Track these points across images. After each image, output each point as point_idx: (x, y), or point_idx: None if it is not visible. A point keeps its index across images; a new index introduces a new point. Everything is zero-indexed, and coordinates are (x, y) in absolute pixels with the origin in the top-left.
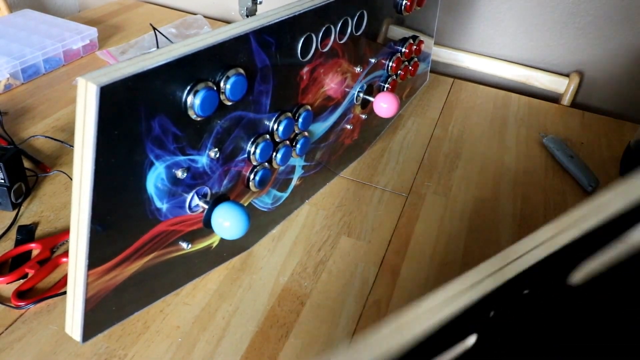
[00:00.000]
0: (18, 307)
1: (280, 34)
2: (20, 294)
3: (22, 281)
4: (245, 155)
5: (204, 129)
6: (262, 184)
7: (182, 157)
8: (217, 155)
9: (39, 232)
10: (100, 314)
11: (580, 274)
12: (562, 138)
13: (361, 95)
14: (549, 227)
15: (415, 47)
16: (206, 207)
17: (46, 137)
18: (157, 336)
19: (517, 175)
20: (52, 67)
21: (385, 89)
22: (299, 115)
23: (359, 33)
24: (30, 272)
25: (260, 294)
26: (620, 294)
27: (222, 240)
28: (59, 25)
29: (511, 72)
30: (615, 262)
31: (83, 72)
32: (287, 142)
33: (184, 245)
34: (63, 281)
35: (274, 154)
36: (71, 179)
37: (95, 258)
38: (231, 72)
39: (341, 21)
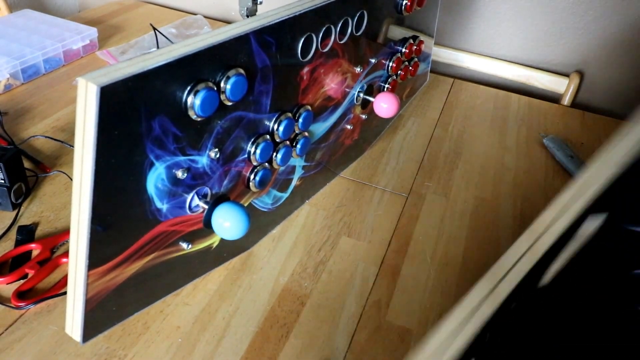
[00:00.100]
0: (18, 308)
1: (280, 34)
2: (21, 295)
3: (22, 281)
4: (246, 156)
5: (204, 129)
6: (262, 184)
7: (182, 158)
8: (218, 156)
9: (39, 232)
10: (101, 315)
11: (548, 275)
12: (562, 138)
13: (361, 95)
14: (526, 236)
15: (415, 47)
16: (206, 207)
17: (46, 137)
18: (157, 336)
19: (517, 175)
20: (52, 67)
21: (385, 89)
22: (299, 115)
23: (359, 33)
24: (31, 273)
25: (261, 294)
26: (577, 286)
27: (222, 240)
28: (59, 25)
29: (511, 72)
30: (572, 256)
31: (83, 72)
32: (288, 143)
33: (184, 245)
34: (63, 281)
35: (274, 154)
36: (71, 179)
37: (95, 258)
38: (231, 72)
39: (341, 21)
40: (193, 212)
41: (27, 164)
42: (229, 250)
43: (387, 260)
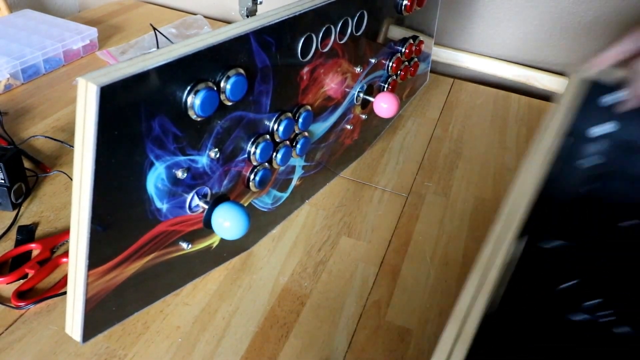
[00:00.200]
0: (18, 308)
1: (280, 34)
2: (21, 294)
3: (22, 281)
4: (246, 156)
5: (204, 129)
6: (262, 184)
7: (182, 157)
8: (217, 156)
9: (39, 232)
10: (101, 314)
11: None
12: None
13: (361, 95)
14: (474, 275)
15: (415, 47)
16: (206, 207)
17: (46, 137)
18: (157, 336)
19: None
20: (52, 67)
21: (385, 89)
22: (299, 115)
23: (359, 33)
24: (31, 273)
25: (261, 294)
26: (518, 307)
27: (222, 240)
28: (59, 25)
29: (511, 72)
30: (508, 280)
31: (83, 72)
32: (287, 142)
33: (184, 245)
34: (63, 281)
35: (274, 154)
36: (71, 179)
37: (95, 258)
38: (231, 72)
39: (341, 21)
40: (193, 212)
41: (27, 164)
42: (229, 250)
43: (387, 260)
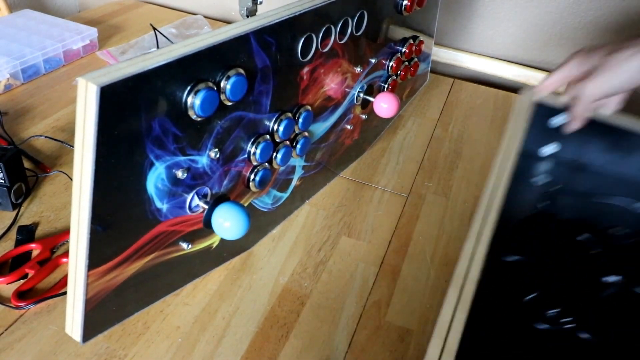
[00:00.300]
0: (18, 308)
1: (280, 34)
2: (21, 294)
3: (22, 281)
4: (246, 156)
5: (204, 129)
6: (262, 184)
7: (182, 158)
8: (218, 156)
9: (39, 232)
10: (101, 314)
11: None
12: None
13: (361, 95)
14: (452, 290)
15: (415, 47)
16: (206, 207)
17: (46, 137)
18: (157, 336)
19: None
20: (52, 67)
21: (385, 89)
22: (299, 115)
23: (359, 33)
24: (31, 273)
25: (261, 294)
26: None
27: (222, 240)
28: (59, 25)
29: (511, 72)
30: (475, 291)
31: (83, 72)
32: (288, 143)
33: (184, 245)
34: (63, 281)
35: (274, 154)
36: (71, 179)
37: (95, 258)
38: (231, 72)
39: (341, 21)
40: (193, 212)
41: (27, 164)
42: (229, 250)
43: (387, 260)
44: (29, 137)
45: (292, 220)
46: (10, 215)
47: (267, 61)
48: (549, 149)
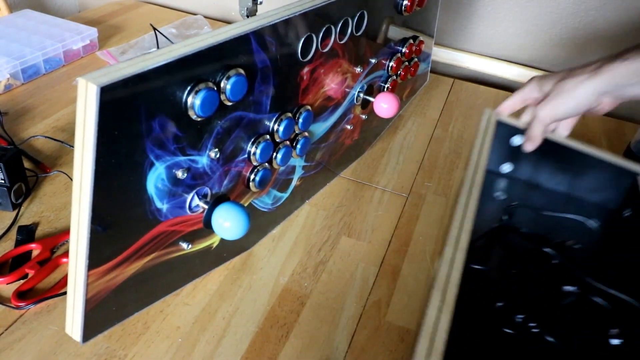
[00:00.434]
0: (18, 308)
1: (280, 34)
2: (21, 295)
3: (22, 281)
4: (246, 156)
5: (204, 129)
6: (262, 184)
7: (182, 158)
8: (218, 156)
9: (39, 232)
10: (101, 315)
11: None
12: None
13: (361, 95)
14: (435, 294)
15: (415, 47)
16: (206, 207)
17: (46, 137)
18: (157, 336)
19: None
20: (52, 68)
21: (385, 89)
22: (300, 115)
23: (359, 33)
24: (31, 273)
25: (261, 294)
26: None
27: (222, 240)
28: (59, 25)
29: (511, 72)
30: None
31: (83, 72)
32: (288, 143)
33: (184, 245)
34: (63, 281)
35: (274, 154)
36: (71, 179)
37: (95, 258)
38: (231, 73)
39: (341, 21)
40: (193, 212)
41: (27, 164)
42: (229, 250)
43: (387, 260)
44: (29, 137)
45: (292, 220)
46: (10, 215)
47: (267, 61)
48: (506, 167)
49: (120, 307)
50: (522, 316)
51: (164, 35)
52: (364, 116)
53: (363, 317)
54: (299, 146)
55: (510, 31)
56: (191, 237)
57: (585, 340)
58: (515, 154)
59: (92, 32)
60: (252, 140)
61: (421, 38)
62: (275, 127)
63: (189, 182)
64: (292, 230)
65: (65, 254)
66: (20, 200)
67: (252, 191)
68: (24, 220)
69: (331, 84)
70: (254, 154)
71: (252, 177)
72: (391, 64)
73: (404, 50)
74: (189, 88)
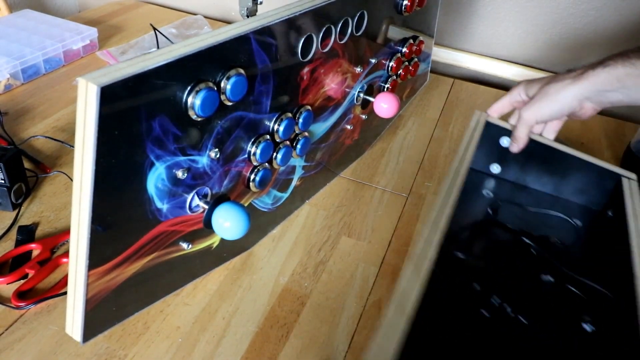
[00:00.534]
0: (18, 308)
1: (280, 34)
2: (21, 295)
3: (22, 281)
4: (246, 156)
5: (204, 129)
6: (262, 184)
7: (182, 158)
8: (218, 156)
9: (39, 232)
10: (101, 315)
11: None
12: (562, 138)
13: (361, 95)
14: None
15: (415, 47)
16: (206, 207)
17: (46, 137)
18: (157, 336)
19: None
20: (52, 68)
21: (385, 89)
22: (300, 115)
23: (359, 33)
24: (31, 273)
25: (261, 294)
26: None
27: (222, 240)
28: (59, 25)
29: (511, 72)
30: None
31: (83, 72)
32: (288, 143)
33: (184, 245)
34: (63, 281)
35: (275, 154)
36: (71, 180)
37: (95, 258)
38: (232, 73)
39: (341, 21)
40: (193, 212)
41: (27, 164)
42: (229, 250)
43: (387, 261)
44: (29, 137)
45: (292, 220)
46: (10, 215)
47: (267, 61)
48: (495, 168)
49: (121, 307)
50: (499, 300)
51: (164, 35)
52: (364, 116)
53: (363, 317)
54: (299, 146)
55: (510, 31)
56: (191, 237)
57: (559, 324)
58: (504, 155)
59: (92, 32)
60: (252, 140)
61: (421, 38)
62: (276, 127)
63: (189, 182)
64: (292, 230)
65: (66, 254)
66: (20, 200)
67: (252, 191)
68: (24, 220)
69: (331, 84)
70: (254, 154)
71: (252, 177)
72: (391, 64)
73: (404, 50)
74: (189, 88)
